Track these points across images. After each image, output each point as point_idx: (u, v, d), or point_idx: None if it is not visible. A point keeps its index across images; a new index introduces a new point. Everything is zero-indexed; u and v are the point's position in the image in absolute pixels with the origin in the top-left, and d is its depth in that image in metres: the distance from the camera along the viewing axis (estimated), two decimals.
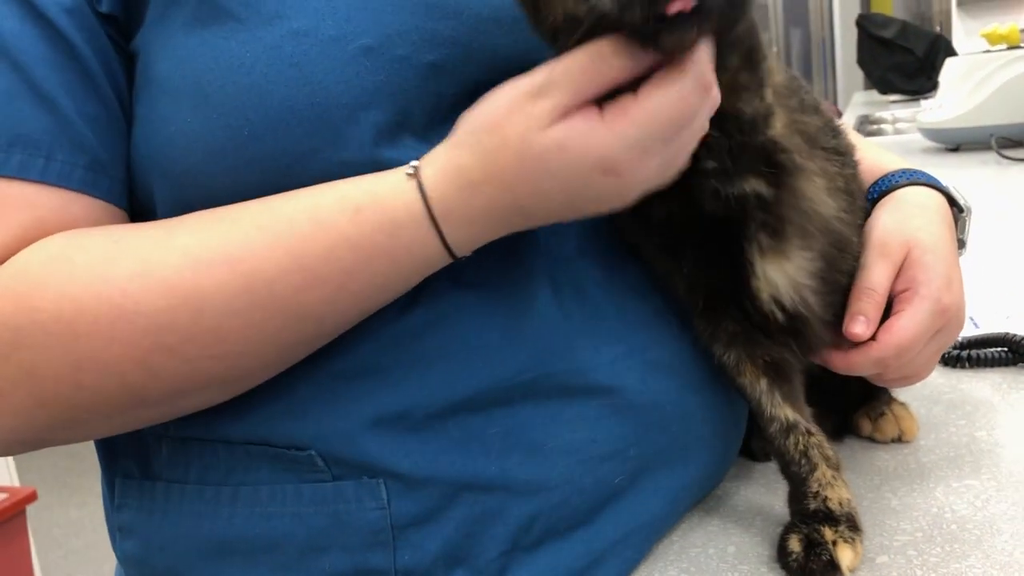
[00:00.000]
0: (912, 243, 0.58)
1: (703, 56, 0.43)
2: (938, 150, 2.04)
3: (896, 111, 3.01)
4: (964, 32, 3.84)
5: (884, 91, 3.56)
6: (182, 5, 0.47)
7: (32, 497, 1.94)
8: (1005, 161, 1.78)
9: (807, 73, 9.22)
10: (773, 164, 0.51)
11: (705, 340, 0.56)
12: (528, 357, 0.50)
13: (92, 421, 0.47)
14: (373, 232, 0.45)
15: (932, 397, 0.71)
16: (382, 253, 0.45)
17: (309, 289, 0.45)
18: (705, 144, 0.48)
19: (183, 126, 0.47)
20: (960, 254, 0.63)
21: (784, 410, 0.54)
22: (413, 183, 0.45)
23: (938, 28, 4.38)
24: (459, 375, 0.49)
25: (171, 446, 0.53)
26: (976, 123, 1.90)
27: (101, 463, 0.57)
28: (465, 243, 0.46)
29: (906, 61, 3.41)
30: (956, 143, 1.98)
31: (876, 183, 0.64)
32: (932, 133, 2.01)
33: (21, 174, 0.46)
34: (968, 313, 0.87)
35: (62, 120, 0.47)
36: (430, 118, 0.48)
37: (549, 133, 0.43)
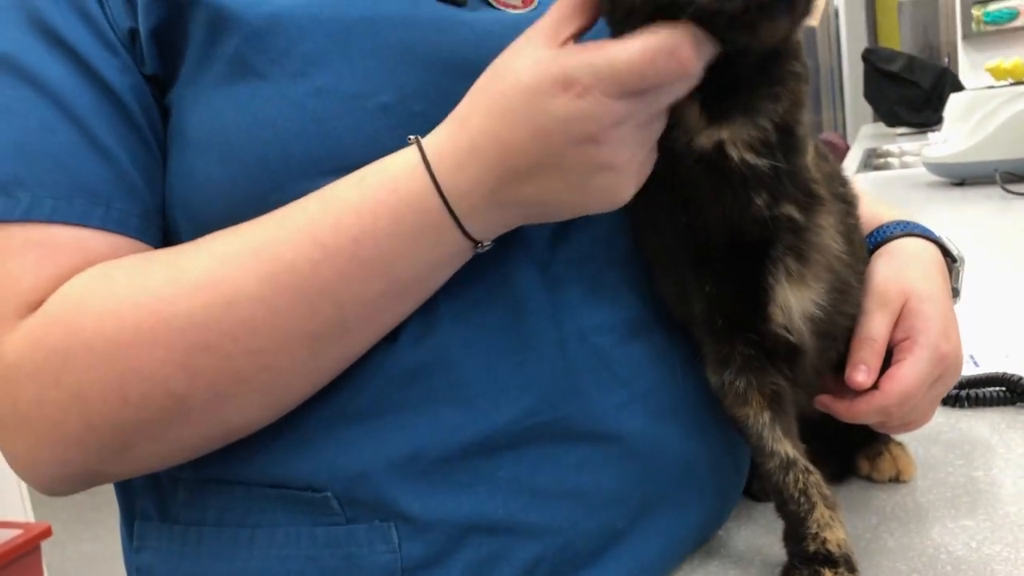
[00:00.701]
0: (909, 293, 0.60)
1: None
2: (943, 184, 2.06)
3: (903, 144, 3.03)
4: (970, 65, 3.88)
5: (891, 124, 3.60)
6: (213, 65, 0.50)
7: (47, 533, 1.96)
8: (1009, 196, 1.80)
9: (816, 104, 9.24)
10: (807, 191, 0.53)
11: (717, 364, 0.56)
12: (535, 400, 0.52)
13: (139, 445, 0.49)
14: (375, 192, 0.47)
15: (931, 437, 0.73)
16: (386, 212, 0.46)
17: (324, 262, 0.46)
18: (758, 175, 0.50)
19: (210, 177, 0.50)
20: (955, 302, 0.65)
21: (784, 445, 0.55)
22: (413, 145, 0.47)
23: (946, 60, 4.42)
24: (468, 417, 0.51)
25: (188, 488, 0.55)
26: (980, 158, 1.92)
27: (120, 505, 0.60)
28: (463, 196, 0.46)
29: (913, 94, 3.44)
30: (961, 178, 2.00)
31: (873, 233, 0.66)
32: (937, 168, 2.03)
33: (83, 221, 0.49)
34: (968, 351, 0.89)
35: (119, 171, 0.50)
36: None
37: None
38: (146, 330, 0.46)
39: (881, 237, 0.65)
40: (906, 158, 2.78)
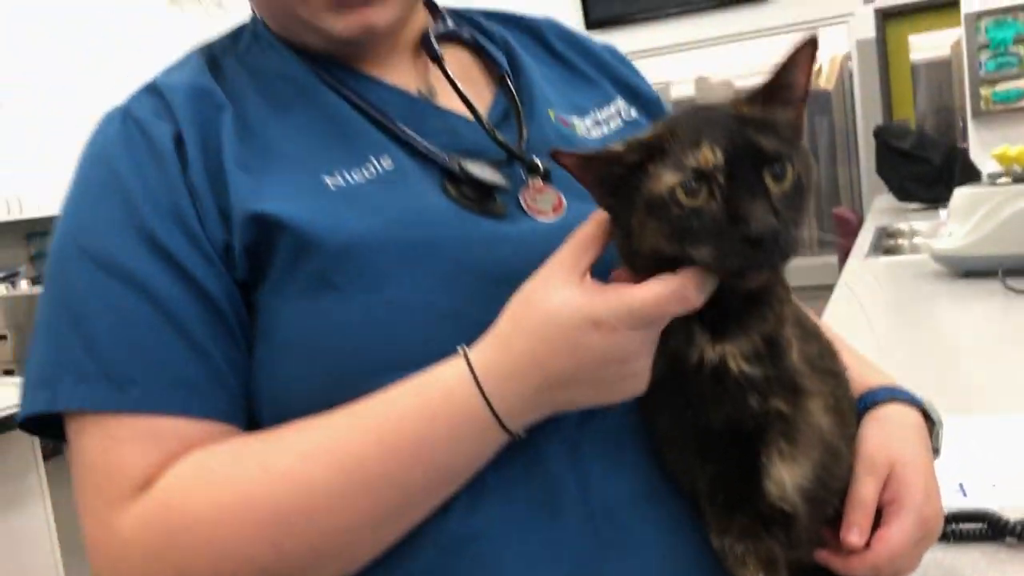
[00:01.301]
0: (895, 459, 0.68)
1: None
2: (948, 274, 2.14)
3: (914, 222, 3.12)
4: (980, 144, 3.97)
5: (903, 199, 3.68)
6: (298, 279, 0.60)
7: None
8: (1011, 293, 1.87)
9: (831, 174, 9.35)
10: (793, 387, 0.61)
11: (718, 531, 0.63)
12: (566, 572, 0.60)
13: None
14: (432, 400, 0.56)
15: (919, 572, 0.80)
16: (443, 417, 0.56)
17: (390, 459, 0.56)
18: (752, 381, 0.59)
19: (291, 371, 0.60)
20: (935, 459, 0.73)
21: None
22: (461, 356, 0.57)
23: (961, 125, 4.51)
24: None
25: None
26: (983, 252, 2.00)
27: None
28: (508, 404, 0.56)
29: (924, 171, 3.53)
30: (965, 270, 2.08)
31: (863, 397, 0.74)
32: (942, 259, 2.11)
33: (182, 411, 0.59)
34: (958, 480, 0.97)
35: (212, 367, 0.60)
36: None
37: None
38: (240, 517, 0.56)
39: (870, 401, 0.74)
40: (916, 239, 2.87)
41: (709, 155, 0.53)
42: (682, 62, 7.30)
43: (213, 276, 0.61)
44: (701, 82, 8.63)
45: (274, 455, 0.58)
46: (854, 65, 7.21)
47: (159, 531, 0.56)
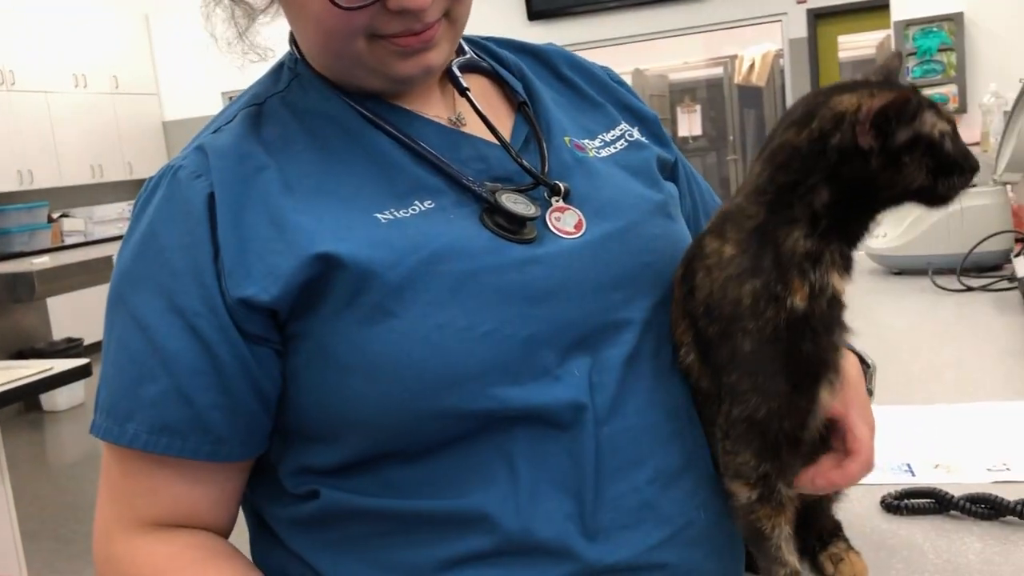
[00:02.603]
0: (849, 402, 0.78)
1: None
2: (883, 272, 2.30)
3: None
4: None
5: None
6: (359, 308, 0.68)
7: None
8: (940, 291, 2.04)
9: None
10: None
11: (756, 478, 0.71)
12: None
13: None
14: None
15: (879, 543, 0.93)
16: None
17: None
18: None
19: (357, 391, 0.69)
20: (871, 399, 0.84)
21: (793, 558, 0.72)
22: None
23: None
24: None
25: None
26: (914, 252, 2.17)
27: None
28: None
29: None
30: (898, 268, 2.25)
31: None
32: (877, 258, 2.28)
33: (166, 451, 0.70)
34: (905, 460, 1.10)
35: (196, 413, 0.70)
36: (528, 371, 0.70)
37: None
38: None
39: None
40: None
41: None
42: (620, 55, 7.45)
43: (217, 329, 0.69)
44: (638, 74, 8.80)
45: None
46: (786, 62, 7.45)
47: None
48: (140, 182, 8.52)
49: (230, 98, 0.88)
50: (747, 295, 0.69)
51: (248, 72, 0.86)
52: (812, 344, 0.70)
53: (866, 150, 0.66)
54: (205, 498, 0.74)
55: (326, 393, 0.70)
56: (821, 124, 0.68)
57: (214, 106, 8.45)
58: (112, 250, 7.66)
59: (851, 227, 0.71)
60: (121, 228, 7.90)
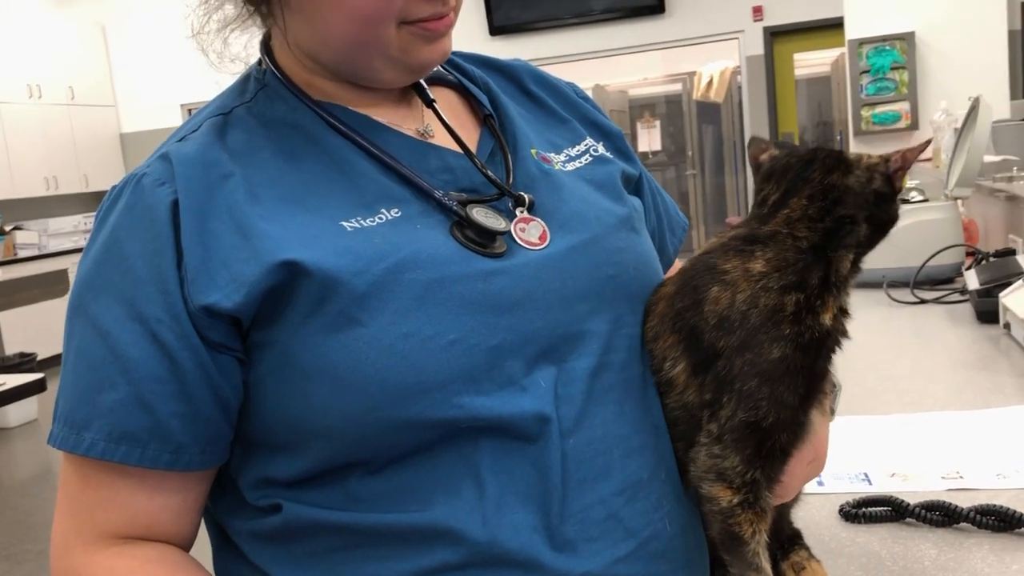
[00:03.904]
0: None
1: None
2: None
3: None
4: None
5: None
6: (323, 316, 0.68)
7: None
8: (894, 303, 2.08)
9: (719, 172, 9.71)
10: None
11: (741, 483, 0.72)
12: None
13: None
14: None
15: (837, 550, 0.95)
16: None
17: None
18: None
19: (322, 400, 0.68)
20: (831, 419, 0.85)
21: (767, 564, 0.73)
22: None
23: (839, 139, 4.80)
24: None
25: None
26: (869, 266, 2.20)
27: None
28: None
29: None
30: None
31: None
32: None
33: (124, 460, 0.69)
34: (863, 469, 1.12)
35: (155, 421, 0.69)
36: (494, 381, 0.70)
37: None
38: None
39: None
40: None
41: None
42: (581, 70, 7.52)
43: (183, 346, 0.69)
44: (599, 90, 8.88)
45: None
46: (743, 79, 7.57)
47: None
48: (97, 195, 8.44)
49: (190, 111, 0.88)
50: (790, 303, 0.72)
51: (218, 84, 0.85)
52: (824, 362, 0.75)
53: (894, 193, 0.77)
54: (165, 509, 0.73)
55: (290, 402, 0.70)
56: (864, 172, 0.77)
57: (174, 118, 8.36)
58: (68, 263, 7.55)
59: (864, 257, 0.79)
60: (76, 241, 7.78)
